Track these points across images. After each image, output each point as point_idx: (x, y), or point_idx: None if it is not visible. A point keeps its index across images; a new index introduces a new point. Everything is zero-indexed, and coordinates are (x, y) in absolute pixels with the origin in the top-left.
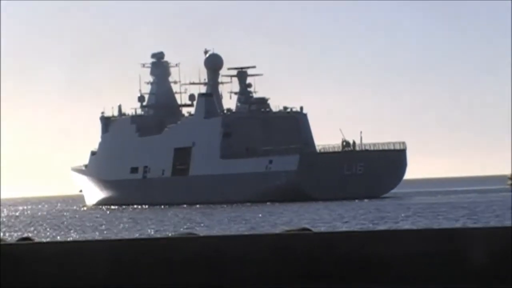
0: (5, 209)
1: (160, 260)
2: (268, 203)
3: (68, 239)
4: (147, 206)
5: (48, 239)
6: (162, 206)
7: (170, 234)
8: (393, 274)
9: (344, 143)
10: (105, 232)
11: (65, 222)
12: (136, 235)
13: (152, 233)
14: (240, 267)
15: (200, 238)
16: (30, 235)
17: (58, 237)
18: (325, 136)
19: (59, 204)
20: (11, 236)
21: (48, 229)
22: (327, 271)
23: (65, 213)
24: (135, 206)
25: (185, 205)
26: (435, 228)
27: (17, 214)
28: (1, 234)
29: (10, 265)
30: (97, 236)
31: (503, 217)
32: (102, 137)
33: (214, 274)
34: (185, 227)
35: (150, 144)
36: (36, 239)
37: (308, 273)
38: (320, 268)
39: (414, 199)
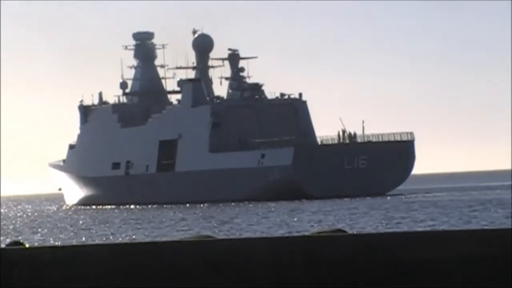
0: None
1: (176, 265)
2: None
3: (65, 244)
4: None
5: (40, 244)
6: (149, 206)
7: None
8: (441, 280)
9: (345, 134)
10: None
11: (58, 224)
12: (136, 238)
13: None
14: (268, 272)
15: (223, 241)
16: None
17: (60, 241)
18: (327, 126)
19: (44, 204)
20: None
21: (38, 232)
22: (365, 276)
23: (49, 214)
24: (125, 206)
25: (165, 205)
26: (486, 229)
27: None
28: None
29: (1, 271)
30: (92, 240)
31: None
32: (81, 128)
33: (239, 280)
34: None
35: (133, 136)
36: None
37: (344, 279)
38: (357, 273)
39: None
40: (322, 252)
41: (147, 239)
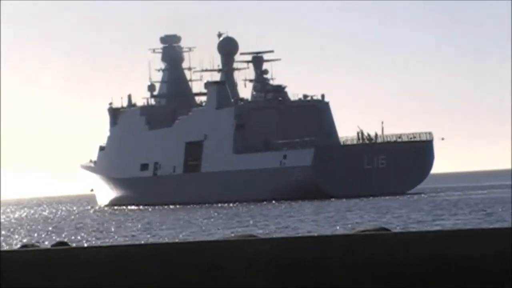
0: (20, 211)
1: (218, 264)
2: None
3: (107, 244)
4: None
5: (85, 244)
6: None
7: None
8: (486, 276)
9: (364, 136)
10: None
11: (100, 225)
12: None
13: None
14: (311, 271)
15: (265, 240)
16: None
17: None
18: (349, 127)
19: (81, 204)
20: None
21: (82, 233)
22: (408, 274)
23: (86, 214)
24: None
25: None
26: None
27: (36, 216)
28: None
29: (46, 271)
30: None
31: None
32: (111, 130)
33: (283, 278)
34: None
35: (160, 138)
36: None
37: (388, 277)
38: (401, 272)
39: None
40: (364, 251)
41: (187, 239)
